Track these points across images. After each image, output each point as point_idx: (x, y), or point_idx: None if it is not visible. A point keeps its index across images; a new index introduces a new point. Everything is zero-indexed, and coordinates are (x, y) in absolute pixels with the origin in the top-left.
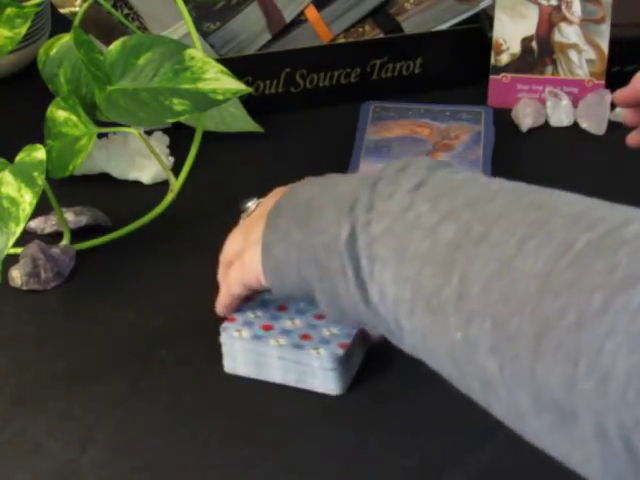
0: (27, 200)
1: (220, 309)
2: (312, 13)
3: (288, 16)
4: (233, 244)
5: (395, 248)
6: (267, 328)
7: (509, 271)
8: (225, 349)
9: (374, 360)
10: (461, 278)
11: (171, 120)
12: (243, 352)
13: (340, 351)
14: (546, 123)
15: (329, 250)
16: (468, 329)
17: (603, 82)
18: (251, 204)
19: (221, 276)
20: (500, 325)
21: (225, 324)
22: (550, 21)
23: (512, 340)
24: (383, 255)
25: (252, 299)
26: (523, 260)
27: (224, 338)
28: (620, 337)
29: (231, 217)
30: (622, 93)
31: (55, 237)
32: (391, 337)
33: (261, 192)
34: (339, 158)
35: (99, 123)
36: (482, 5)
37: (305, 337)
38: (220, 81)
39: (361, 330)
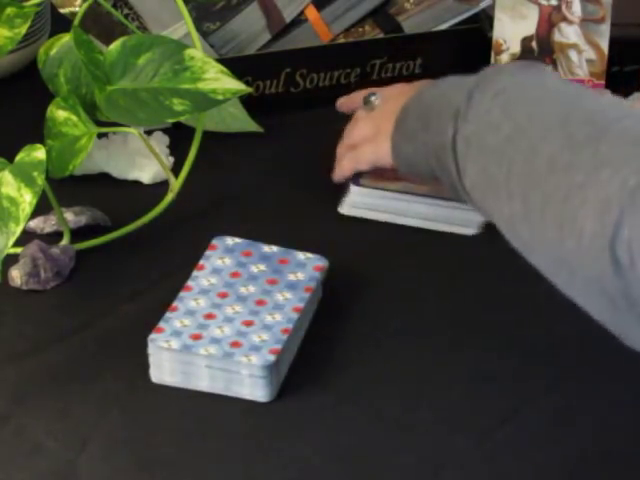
0: (27, 200)
1: (340, 176)
2: (312, 13)
3: (288, 16)
4: (361, 130)
5: (476, 145)
6: (196, 337)
7: (535, 154)
8: (152, 360)
9: (372, 360)
10: (508, 163)
11: (171, 120)
12: (171, 362)
13: (271, 357)
14: None
15: (443, 149)
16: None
17: (603, 82)
18: (374, 99)
19: (343, 151)
20: (525, 199)
21: (152, 335)
22: (550, 21)
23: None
24: (469, 151)
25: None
26: (544, 146)
27: (152, 349)
28: (591, 204)
29: (231, 217)
30: None
31: (55, 237)
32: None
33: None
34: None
35: (99, 123)
36: (482, 5)
37: (235, 345)
38: (220, 81)
39: (291, 335)
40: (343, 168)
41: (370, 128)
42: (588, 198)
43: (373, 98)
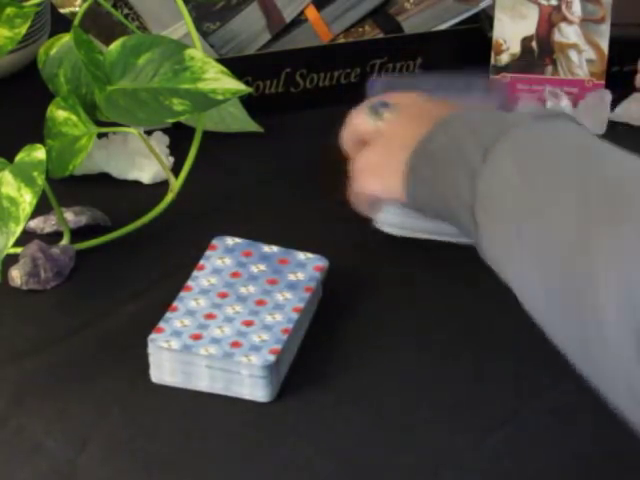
0: (27, 200)
1: (364, 207)
2: (312, 13)
3: (288, 16)
4: (372, 154)
5: (491, 210)
6: (196, 337)
7: (544, 218)
8: (152, 360)
9: (372, 360)
10: (524, 233)
11: (171, 120)
12: (171, 362)
13: (271, 357)
14: None
15: (462, 209)
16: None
17: (603, 82)
18: (383, 110)
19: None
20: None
21: (152, 335)
22: (550, 21)
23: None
24: (486, 216)
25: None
26: (560, 226)
27: (152, 349)
28: (613, 292)
29: (231, 217)
30: None
31: (55, 237)
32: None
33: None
34: (339, 158)
35: (99, 123)
36: (482, 5)
37: (235, 345)
38: (220, 81)
39: (291, 335)
40: (362, 198)
41: (380, 153)
42: (610, 286)
43: (382, 110)
